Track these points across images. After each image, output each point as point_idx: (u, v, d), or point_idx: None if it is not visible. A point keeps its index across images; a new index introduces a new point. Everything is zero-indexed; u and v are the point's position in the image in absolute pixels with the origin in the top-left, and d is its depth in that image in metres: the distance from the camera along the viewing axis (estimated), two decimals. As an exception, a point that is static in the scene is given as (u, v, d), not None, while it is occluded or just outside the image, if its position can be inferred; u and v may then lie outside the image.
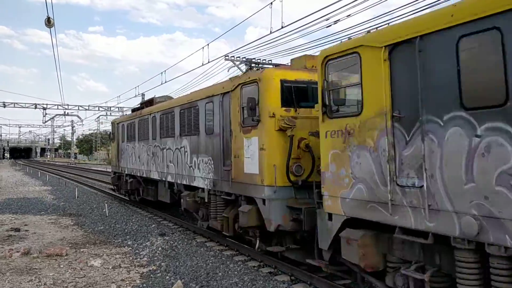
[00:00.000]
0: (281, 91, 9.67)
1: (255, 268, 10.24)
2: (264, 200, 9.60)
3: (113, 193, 28.68)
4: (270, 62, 12.63)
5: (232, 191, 10.98)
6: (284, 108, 9.63)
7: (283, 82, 9.73)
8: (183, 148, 14.07)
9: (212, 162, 12.00)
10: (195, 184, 13.25)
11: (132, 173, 20.35)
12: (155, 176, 16.97)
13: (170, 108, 15.50)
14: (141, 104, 21.32)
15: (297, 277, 9.37)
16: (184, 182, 14.08)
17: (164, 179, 15.97)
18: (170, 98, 18.89)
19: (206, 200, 12.54)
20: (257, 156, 9.77)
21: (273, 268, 10.12)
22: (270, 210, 9.41)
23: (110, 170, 59.64)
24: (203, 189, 12.79)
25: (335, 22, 18.45)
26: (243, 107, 10.35)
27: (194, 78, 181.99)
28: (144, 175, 18.38)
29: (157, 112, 16.76)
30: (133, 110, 22.09)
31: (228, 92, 11.21)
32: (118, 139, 23.18)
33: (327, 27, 21.43)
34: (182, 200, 13.85)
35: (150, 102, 19.54)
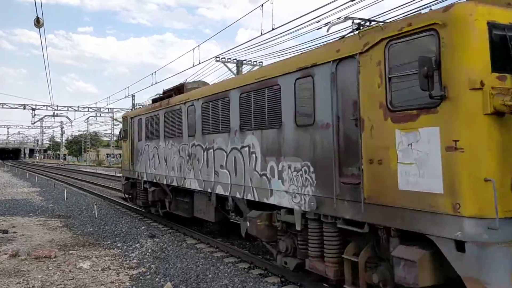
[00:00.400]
0: (491, 43, 5.30)
1: (245, 269, 9.81)
2: (461, 243, 5.19)
3: (102, 194, 26.37)
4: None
5: (365, 219, 6.45)
6: (496, 74, 5.27)
7: (492, 26, 5.33)
8: (247, 148, 9.63)
9: (311, 169, 7.59)
10: (272, 201, 8.72)
11: (155, 180, 15.21)
12: (193, 185, 12.24)
13: (221, 93, 10.73)
14: (164, 92, 16.15)
15: (287, 278, 8.94)
16: (250, 197, 9.51)
17: (209, 190, 11.27)
18: (205, 83, 14.72)
19: (298, 228, 8.06)
20: (438, 161, 5.43)
21: (264, 269, 9.71)
22: (482, 262, 4.99)
23: (102, 172, 59.75)
24: (289, 210, 8.32)
25: (326, 24, 18.55)
26: (390, 78, 6.03)
27: (185, 79, 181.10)
28: (174, 184, 13.49)
29: (197, 99, 11.97)
30: (155, 100, 16.55)
31: (351, 56, 6.78)
32: (133, 137, 17.86)
33: (317, 29, 21.62)
34: (247, 222, 9.41)
35: (179, 89, 14.69)
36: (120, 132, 20.78)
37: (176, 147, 13.47)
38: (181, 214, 14.17)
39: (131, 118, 18.38)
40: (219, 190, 10.84)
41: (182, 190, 13.61)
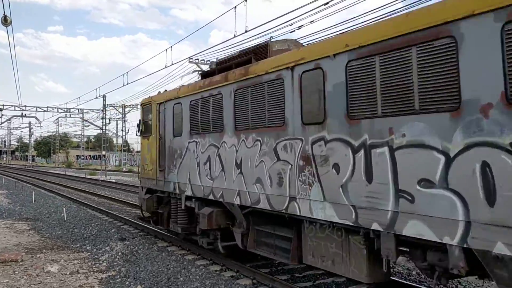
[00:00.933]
0: None
1: (217, 272, 9.64)
2: None
3: (72, 197, 25.02)
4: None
5: None
6: None
7: None
8: None
9: None
10: None
11: (211, 197, 9.83)
12: (319, 213, 6.95)
13: (430, 30, 5.33)
14: (222, 62, 10.68)
15: (259, 280, 8.84)
16: None
17: (376, 227, 6.04)
18: (297, 43, 9.63)
19: None
20: None
21: (235, 272, 9.56)
22: None
23: (71, 174, 58.33)
24: None
25: (299, 27, 18.63)
26: None
27: (158, 80, 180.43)
28: (262, 206, 8.22)
29: (331, 57, 6.71)
30: (207, 74, 10.96)
31: None
32: (162, 132, 12.28)
33: (290, 32, 21.81)
34: None
35: (259, 51, 9.40)
36: (138, 124, 14.11)
37: (267, 145, 8.11)
38: (269, 256, 8.76)
39: (160, 104, 12.49)
40: (418, 229, 5.50)
41: (274, 217, 8.35)
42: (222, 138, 9.45)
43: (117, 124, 77.81)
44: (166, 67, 33.49)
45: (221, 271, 9.87)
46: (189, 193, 10.79)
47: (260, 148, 8.28)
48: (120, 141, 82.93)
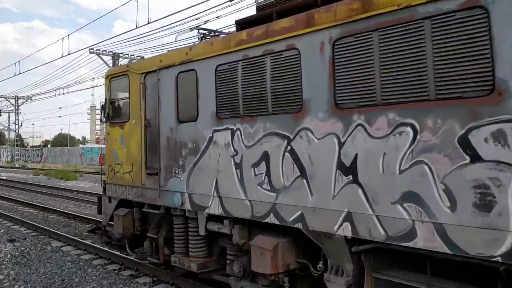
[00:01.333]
0: None
1: (115, 271, 9.49)
2: None
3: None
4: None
5: None
6: None
7: None
8: None
9: None
10: None
11: (270, 220, 6.13)
12: None
13: None
14: (270, 4, 6.85)
15: (159, 278, 8.80)
16: None
17: None
18: None
19: None
20: None
21: (135, 270, 9.42)
22: None
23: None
24: None
25: (205, 22, 18.88)
26: None
27: (55, 71, 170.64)
28: (422, 245, 4.53)
29: None
30: (247, 23, 7.09)
31: None
32: (150, 116, 8.52)
33: (197, 26, 21.89)
34: None
35: None
36: (103, 106, 9.93)
37: (435, 134, 4.53)
38: None
39: (145, 74, 8.61)
40: None
41: (430, 261, 4.72)
42: (301, 123, 5.80)
43: (9, 117, 72.57)
44: (62, 56, 32.08)
45: (119, 270, 9.73)
46: (216, 210, 7.01)
47: (413, 139, 4.67)
48: (12, 135, 77.42)
